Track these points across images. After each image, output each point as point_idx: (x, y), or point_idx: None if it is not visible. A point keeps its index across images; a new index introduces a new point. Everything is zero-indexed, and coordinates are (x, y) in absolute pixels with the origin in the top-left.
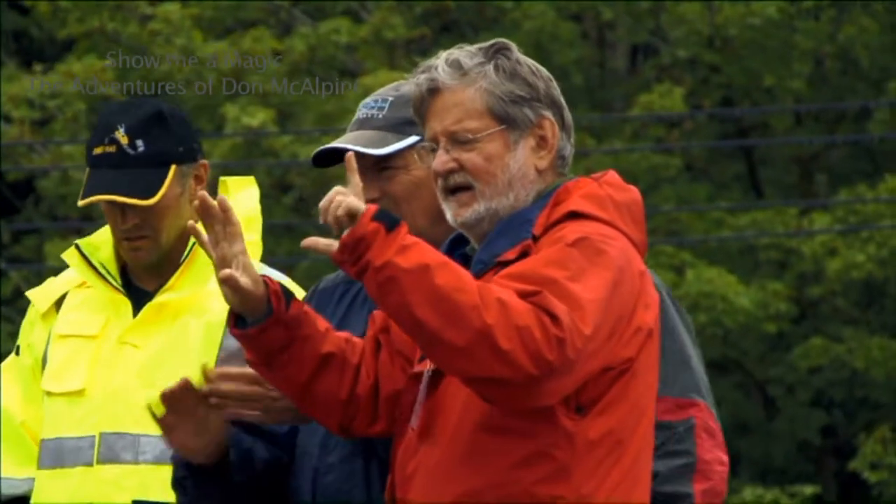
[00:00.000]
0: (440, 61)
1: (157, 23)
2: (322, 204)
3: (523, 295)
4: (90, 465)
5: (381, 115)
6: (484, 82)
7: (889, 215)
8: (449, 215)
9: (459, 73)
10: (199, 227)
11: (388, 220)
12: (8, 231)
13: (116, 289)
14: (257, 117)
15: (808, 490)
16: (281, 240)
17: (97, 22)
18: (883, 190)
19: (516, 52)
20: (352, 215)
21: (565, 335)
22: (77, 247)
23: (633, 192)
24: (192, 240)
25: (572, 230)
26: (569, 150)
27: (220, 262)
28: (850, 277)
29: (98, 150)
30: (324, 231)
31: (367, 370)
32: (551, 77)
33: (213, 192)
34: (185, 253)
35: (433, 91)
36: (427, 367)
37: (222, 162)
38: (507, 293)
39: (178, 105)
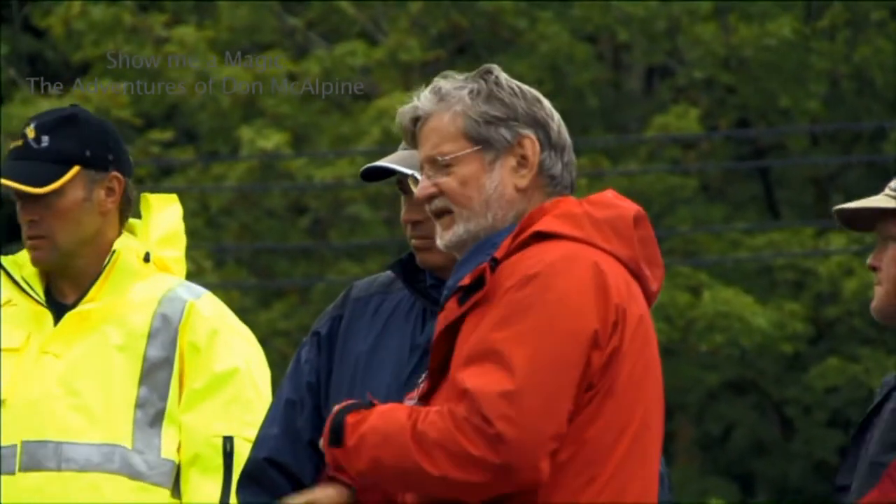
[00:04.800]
0: (425, 90)
1: (172, 46)
2: None
3: (455, 416)
4: (13, 473)
5: None
6: (459, 106)
7: None
8: (437, 239)
9: (437, 98)
10: None
11: (332, 439)
12: None
13: (38, 302)
14: (272, 140)
15: None
16: (296, 262)
17: (112, 45)
18: None
19: (497, 75)
20: None
21: (498, 428)
22: None
23: (621, 208)
24: (112, 252)
25: (528, 264)
26: (559, 169)
27: None
28: (866, 297)
29: (11, 146)
30: (338, 252)
31: None
32: (538, 98)
33: (136, 210)
34: (104, 265)
35: (416, 120)
36: (413, 397)
37: (238, 185)
38: (440, 422)
39: (193, 126)
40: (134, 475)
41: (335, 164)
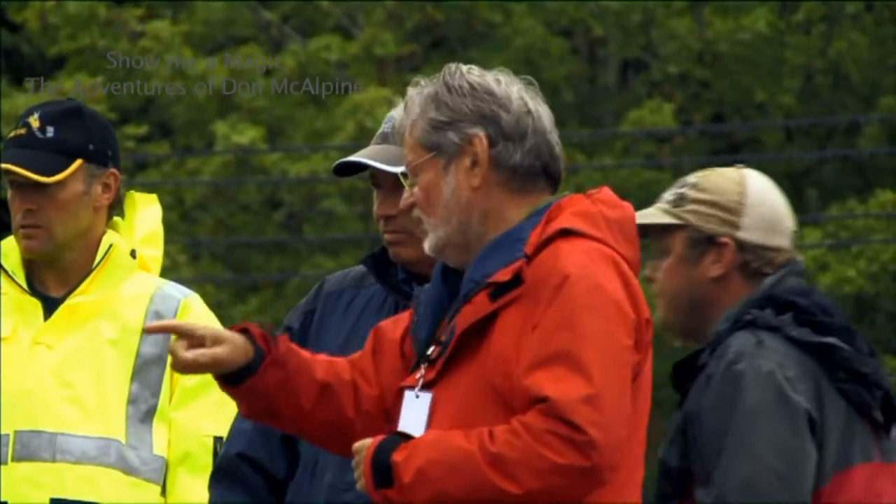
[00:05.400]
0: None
1: (147, 40)
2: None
3: (533, 430)
4: (5, 462)
5: None
6: (416, 114)
7: (880, 230)
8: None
9: (405, 108)
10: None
11: (379, 481)
12: None
13: (25, 291)
14: (247, 134)
15: None
16: (271, 256)
17: (88, 39)
18: (874, 205)
19: (449, 75)
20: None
21: (590, 434)
22: None
23: (626, 209)
24: (103, 248)
25: (566, 262)
26: (519, 158)
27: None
28: (841, 292)
29: (11, 134)
30: (313, 247)
31: (368, 384)
32: (490, 89)
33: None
34: (98, 261)
35: (399, 133)
36: (415, 383)
37: (213, 179)
38: (516, 440)
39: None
40: (128, 470)
41: (310, 159)
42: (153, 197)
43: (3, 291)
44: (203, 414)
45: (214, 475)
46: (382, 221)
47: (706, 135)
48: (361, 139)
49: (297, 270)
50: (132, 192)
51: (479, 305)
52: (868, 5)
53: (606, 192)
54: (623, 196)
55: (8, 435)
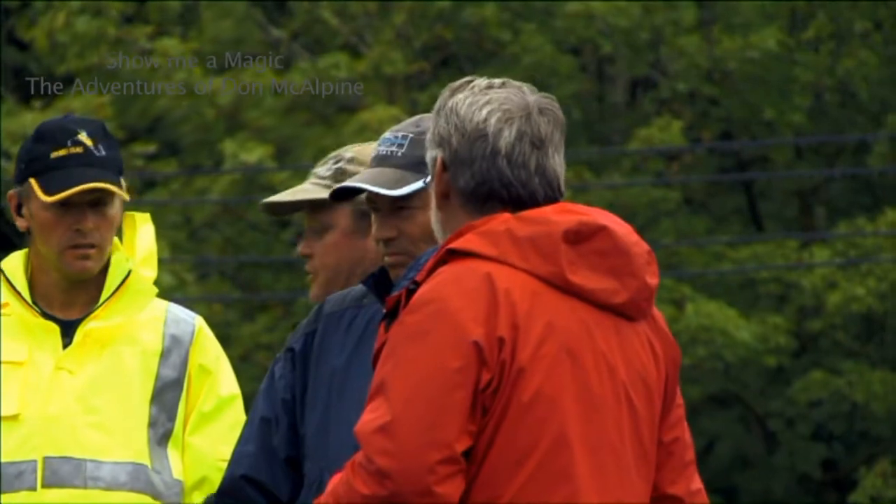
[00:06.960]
0: None
1: (156, 57)
2: None
3: (353, 464)
4: (34, 489)
5: (400, 153)
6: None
7: (889, 248)
8: None
9: None
10: None
11: None
12: None
13: (38, 314)
14: (255, 153)
15: None
16: (280, 275)
17: (96, 57)
18: (882, 223)
19: (447, 91)
20: None
21: (377, 463)
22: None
23: (550, 225)
24: (117, 270)
25: (424, 288)
26: (464, 182)
27: None
28: (850, 311)
29: (61, 153)
30: None
31: None
32: (457, 111)
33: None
34: (117, 285)
35: None
36: None
37: (221, 197)
38: (343, 474)
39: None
40: (156, 495)
41: None
42: (146, 216)
43: (9, 312)
44: (218, 438)
45: (219, 498)
46: (382, 244)
47: (715, 152)
48: None
49: (306, 289)
50: (129, 212)
51: (378, 338)
52: (877, 23)
53: (544, 210)
54: (631, 214)
55: (35, 461)
